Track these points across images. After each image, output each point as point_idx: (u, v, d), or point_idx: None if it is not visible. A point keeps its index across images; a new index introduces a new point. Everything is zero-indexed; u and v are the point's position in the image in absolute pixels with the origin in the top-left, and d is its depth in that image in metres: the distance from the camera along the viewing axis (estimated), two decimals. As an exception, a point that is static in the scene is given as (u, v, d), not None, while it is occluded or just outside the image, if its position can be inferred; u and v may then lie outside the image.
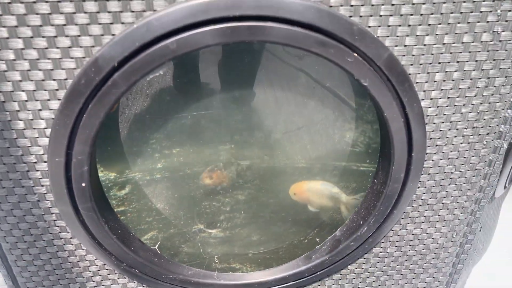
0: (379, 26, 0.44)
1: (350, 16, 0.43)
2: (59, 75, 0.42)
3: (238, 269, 0.66)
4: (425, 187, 0.56)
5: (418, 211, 0.59)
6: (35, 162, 0.47)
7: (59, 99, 0.44)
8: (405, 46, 0.45)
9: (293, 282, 0.62)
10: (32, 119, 0.45)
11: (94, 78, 0.41)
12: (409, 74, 0.47)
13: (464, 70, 0.48)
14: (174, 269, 0.59)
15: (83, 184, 0.47)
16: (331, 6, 0.42)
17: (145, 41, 0.40)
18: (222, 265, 0.65)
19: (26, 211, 0.51)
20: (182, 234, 0.77)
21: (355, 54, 0.44)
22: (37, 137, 0.46)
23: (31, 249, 0.54)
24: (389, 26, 0.44)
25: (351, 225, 0.59)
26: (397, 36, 0.45)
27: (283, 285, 0.62)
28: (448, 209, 0.59)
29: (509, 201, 1.21)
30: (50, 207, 0.51)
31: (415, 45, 0.45)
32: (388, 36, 0.44)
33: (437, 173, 0.55)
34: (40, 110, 0.44)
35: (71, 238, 0.54)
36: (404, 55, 0.46)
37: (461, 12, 0.44)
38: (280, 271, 0.61)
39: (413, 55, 0.46)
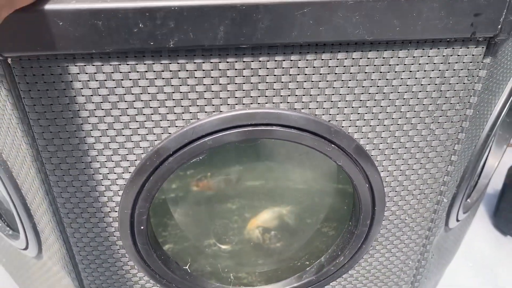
0: (349, 126, 0.64)
1: (329, 121, 0.63)
2: (132, 158, 0.63)
3: (247, 283, 0.86)
4: (386, 228, 0.76)
5: (382, 245, 0.79)
6: (109, 212, 0.68)
7: (129, 173, 0.64)
8: (368, 138, 0.65)
9: (288, 295, 0.83)
10: (110, 185, 0.65)
11: (155, 161, 0.62)
12: (371, 155, 0.67)
13: (411, 153, 0.68)
14: (201, 284, 0.80)
15: (142, 227, 0.68)
16: (316, 115, 0.62)
17: (191, 139, 0.60)
18: (236, 280, 0.86)
19: (99, 243, 0.71)
20: (196, 248, 0.96)
21: (333, 145, 0.64)
22: (112, 196, 0.66)
23: (99, 268, 0.75)
24: (356, 126, 0.64)
25: (332, 254, 0.79)
26: (362, 132, 0.64)
27: (280, 297, 0.83)
28: (404, 243, 0.79)
29: (476, 222, 1.41)
30: (116, 241, 0.71)
31: (375, 137, 0.65)
32: (356, 132, 0.64)
33: (395, 219, 0.75)
34: (116, 179, 0.64)
35: (128, 261, 0.75)
36: (367, 144, 0.66)
37: (407, 117, 0.64)
38: (279, 287, 0.82)
39: (374, 144, 0.66)
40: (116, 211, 0.68)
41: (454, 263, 1.31)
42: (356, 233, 0.74)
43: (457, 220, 0.94)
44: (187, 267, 0.80)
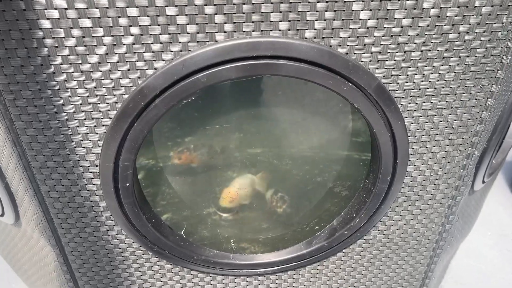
0: (370, 61, 0.54)
1: (346, 54, 0.53)
2: (112, 99, 0.53)
3: (249, 250, 0.78)
4: (409, 186, 0.67)
5: (403, 206, 0.69)
6: (89, 166, 0.58)
7: (110, 118, 0.54)
8: (392, 76, 0.55)
9: (296, 263, 0.74)
10: (88, 133, 0.55)
11: (139, 103, 0.52)
12: (395, 97, 0.57)
13: (441, 94, 0.58)
14: (197, 251, 0.71)
15: (127, 184, 0.58)
16: (330, 46, 0.52)
17: (181, 75, 0.50)
18: (236, 245, 0.77)
19: (79, 204, 0.62)
20: (195, 216, 0.87)
21: (350, 84, 0.54)
22: (92, 147, 0.57)
23: (81, 233, 0.66)
24: (378, 60, 0.54)
25: (346, 217, 0.70)
26: (385, 68, 0.54)
27: (287, 265, 0.74)
28: (428, 204, 0.70)
29: (494, 190, 1.32)
30: (99, 201, 0.62)
31: (400, 75, 0.55)
32: (377, 69, 0.54)
33: (419, 176, 0.66)
34: (95, 126, 0.55)
35: (114, 225, 0.66)
36: (390, 83, 0.56)
37: (438, 50, 0.54)
38: (286, 254, 0.73)
39: (398, 83, 0.56)
40: (97, 166, 0.59)
41: (472, 232, 1.22)
42: (374, 191, 0.65)
43: (483, 182, 0.85)
44: (182, 233, 0.71)
